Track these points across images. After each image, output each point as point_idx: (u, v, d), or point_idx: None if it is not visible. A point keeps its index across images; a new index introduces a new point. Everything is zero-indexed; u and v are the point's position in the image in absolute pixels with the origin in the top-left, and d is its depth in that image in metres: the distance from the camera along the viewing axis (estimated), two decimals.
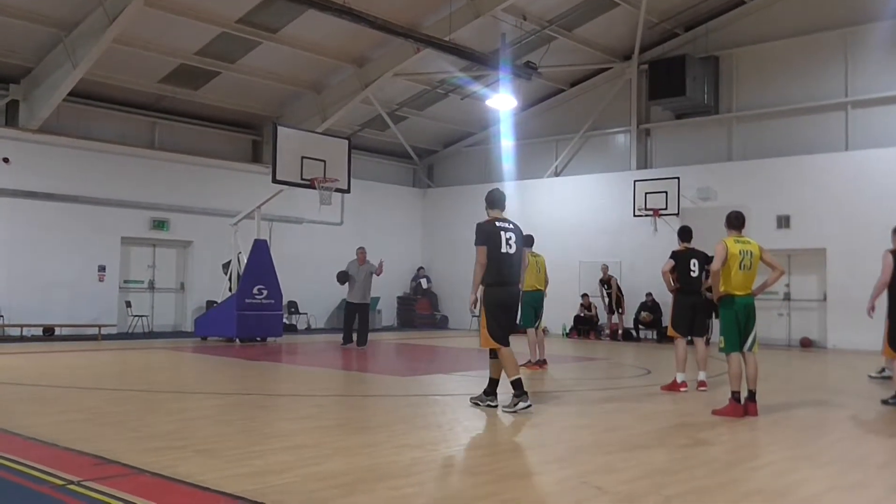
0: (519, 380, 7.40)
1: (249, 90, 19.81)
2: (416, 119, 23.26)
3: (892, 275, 8.66)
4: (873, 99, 17.69)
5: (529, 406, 7.31)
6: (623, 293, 19.94)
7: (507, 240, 7.63)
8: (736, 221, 7.98)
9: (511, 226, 7.76)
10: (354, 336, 15.72)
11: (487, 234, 7.68)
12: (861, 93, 17.87)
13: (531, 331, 11.89)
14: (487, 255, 7.54)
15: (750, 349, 7.72)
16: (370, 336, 16.15)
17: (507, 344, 7.57)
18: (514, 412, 7.25)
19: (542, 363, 11.80)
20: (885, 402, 8.57)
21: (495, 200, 7.99)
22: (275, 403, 8.62)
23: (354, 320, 15.73)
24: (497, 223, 7.73)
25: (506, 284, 7.65)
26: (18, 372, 10.66)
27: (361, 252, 16.12)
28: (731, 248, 7.70)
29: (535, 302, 11.82)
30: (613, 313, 19.97)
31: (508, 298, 7.68)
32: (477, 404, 7.66)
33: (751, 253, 7.76)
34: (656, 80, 19.91)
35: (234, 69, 18.64)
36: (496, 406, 7.54)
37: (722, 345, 7.77)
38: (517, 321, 7.90)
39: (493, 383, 7.69)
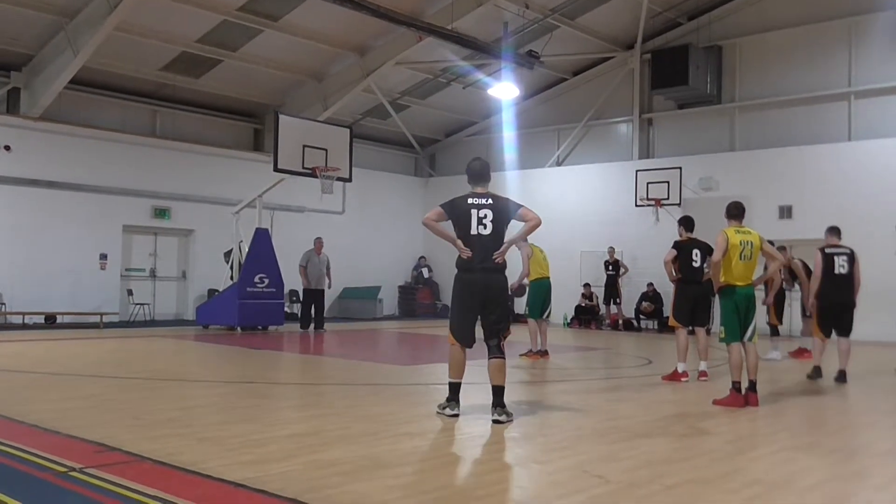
0: (456, 384, 6.61)
1: (251, 78, 19.76)
2: (417, 108, 23.21)
3: (822, 270, 9.75)
4: (877, 89, 17.62)
5: (456, 415, 6.51)
6: (621, 282, 19.93)
7: (481, 218, 6.50)
8: (736, 211, 8.00)
9: (488, 202, 6.56)
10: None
11: (456, 210, 6.59)
12: (864, 83, 17.80)
13: (532, 320, 11.89)
14: (457, 235, 6.60)
15: (750, 339, 7.73)
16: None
17: (465, 344, 6.58)
18: (441, 414, 6.62)
19: (543, 353, 11.81)
20: (809, 376, 9.78)
21: (471, 173, 6.78)
22: (276, 391, 8.64)
23: (311, 306, 16.87)
24: (471, 199, 6.58)
25: (474, 271, 6.52)
26: (20, 359, 10.68)
27: (319, 242, 17.05)
28: (732, 239, 7.70)
29: (544, 291, 11.85)
30: (610, 303, 19.98)
31: (475, 287, 6.55)
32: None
33: (751, 243, 7.76)
34: (659, 69, 19.84)
35: (235, 57, 18.59)
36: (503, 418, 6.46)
37: (722, 335, 7.78)
38: (498, 315, 6.61)
39: (494, 390, 6.53)
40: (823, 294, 9.76)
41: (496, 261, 6.53)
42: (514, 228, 6.83)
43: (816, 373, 9.84)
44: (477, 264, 6.51)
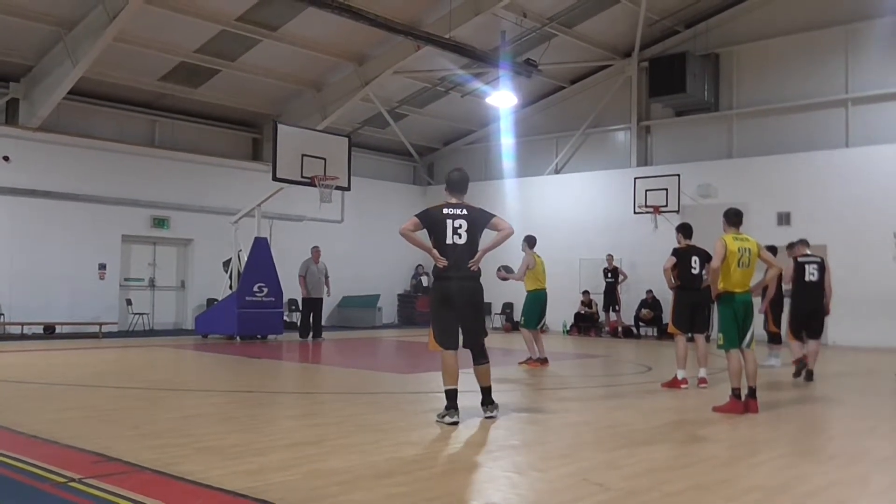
0: (453, 391, 6.69)
1: (249, 88, 19.80)
2: (416, 117, 23.25)
3: (793, 277, 10.62)
4: (874, 96, 17.68)
5: (456, 423, 6.56)
6: (620, 289, 19.93)
7: (456, 228, 6.71)
8: (735, 219, 8.01)
9: (463, 212, 6.78)
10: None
11: (431, 220, 6.77)
12: (861, 89, 17.85)
13: (526, 330, 11.89)
14: (433, 244, 6.78)
15: (748, 346, 7.74)
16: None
17: (451, 347, 6.79)
18: (441, 422, 6.61)
19: (543, 361, 11.81)
20: (794, 376, 10.37)
21: (450, 182, 6.97)
22: (275, 401, 8.63)
23: (310, 315, 16.83)
24: (446, 209, 6.79)
25: (450, 279, 6.74)
26: (19, 370, 10.67)
27: (316, 251, 17.00)
28: (730, 246, 7.71)
29: (542, 302, 11.86)
30: (609, 310, 19.99)
31: (453, 294, 6.76)
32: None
33: (749, 250, 7.78)
34: (657, 77, 19.89)
35: (234, 67, 18.63)
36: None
37: (721, 342, 7.78)
38: (475, 320, 6.95)
39: (483, 390, 6.94)
40: (795, 300, 10.67)
41: (471, 269, 6.77)
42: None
43: (799, 372, 10.40)
44: (453, 273, 6.73)
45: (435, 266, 6.81)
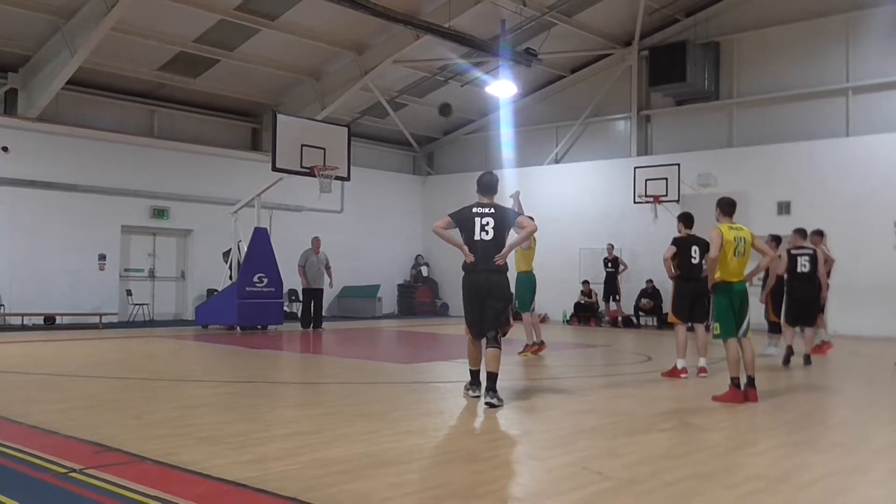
0: (475, 371, 7.44)
1: (248, 78, 19.74)
2: (415, 106, 23.19)
3: (787, 268, 11.11)
4: (874, 84, 17.63)
5: (478, 396, 7.26)
6: (620, 279, 19.93)
7: (484, 225, 7.24)
8: (729, 208, 8.04)
9: (491, 211, 7.32)
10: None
11: (461, 218, 7.35)
12: (862, 78, 17.80)
13: (526, 314, 11.87)
14: (463, 240, 7.29)
15: (744, 335, 7.75)
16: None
17: (475, 337, 7.31)
18: (467, 395, 7.46)
19: (541, 344, 11.80)
20: (784, 363, 10.66)
21: (480, 184, 7.53)
22: (276, 391, 8.64)
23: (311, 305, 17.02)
24: (475, 208, 7.35)
25: (478, 272, 7.24)
26: (19, 360, 10.68)
27: (316, 241, 17.11)
28: (726, 235, 7.72)
29: (534, 283, 11.81)
30: (609, 300, 19.99)
31: (478, 286, 7.23)
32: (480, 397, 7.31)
33: (744, 239, 7.79)
34: (657, 66, 19.83)
35: (233, 57, 18.57)
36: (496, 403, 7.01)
37: (717, 331, 7.79)
38: (497, 309, 7.23)
39: (488, 376, 7.18)
40: (789, 290, 11.16)
41: (497, 263, 7.24)
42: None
43: (788, 359, 10.81)
44: (480, 266, 7.24)
45: (464, 260, 7.27)
